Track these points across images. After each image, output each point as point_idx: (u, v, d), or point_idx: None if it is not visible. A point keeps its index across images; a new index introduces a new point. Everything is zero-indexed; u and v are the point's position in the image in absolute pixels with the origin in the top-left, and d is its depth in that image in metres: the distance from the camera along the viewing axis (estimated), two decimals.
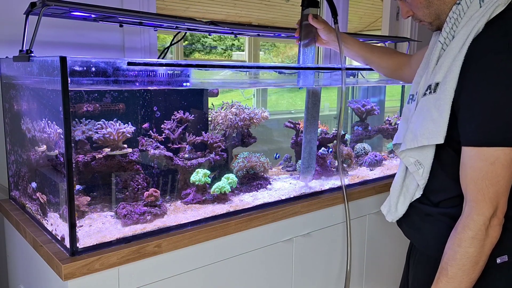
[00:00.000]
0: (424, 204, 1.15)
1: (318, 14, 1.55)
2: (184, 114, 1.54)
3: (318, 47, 1.88)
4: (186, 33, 1.74)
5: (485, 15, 0.99)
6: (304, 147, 1.69)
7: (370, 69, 1.63)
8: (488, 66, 0.94)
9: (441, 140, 1.02)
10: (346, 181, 1.77)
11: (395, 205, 1.20)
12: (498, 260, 1.03)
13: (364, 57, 1.53)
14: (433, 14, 1.10)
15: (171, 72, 1.29)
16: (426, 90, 1.07)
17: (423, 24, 1.16)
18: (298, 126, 1.91)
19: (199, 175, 1.44)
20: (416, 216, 1.18)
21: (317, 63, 2.72)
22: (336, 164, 1.87)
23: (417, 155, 1.10)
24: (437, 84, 1.03)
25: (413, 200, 1.16)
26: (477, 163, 0.96)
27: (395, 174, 1.90)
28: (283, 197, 1.55)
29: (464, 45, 0.99)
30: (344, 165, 1.91)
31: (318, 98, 1.68)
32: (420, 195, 1.14)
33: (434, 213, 1.13)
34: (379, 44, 1.98)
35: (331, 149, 1.87)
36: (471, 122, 0.96)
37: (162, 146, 1.45)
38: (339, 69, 1.57)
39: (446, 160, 1.08)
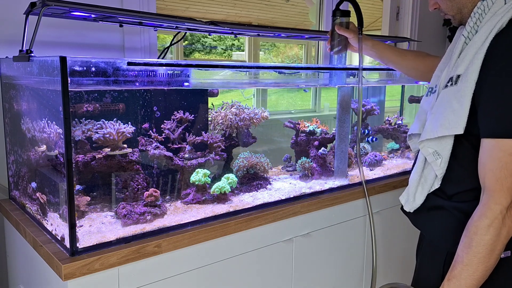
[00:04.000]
0: (438, 197, 1.17)
1: (347, 23, 1.59)
2: (184, 114, 1.54)
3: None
4: (186, 33, 1.74)
5: (509, 11, 1.02)
6: (337, 146, 1.75)
7: (389, 69, 1.66)
8: (510, 61, 0.97)
9: (460, 131, 1.03)
10: (346, 181, 1.77)
11: (413, 195, 1.21)
12: (502, 255, 1.04)
13: (395, 62, 1.55)
14: (455, 7, 1.15)
15: (171, 72, 1.29)
16: (448, 82, 1.10)
17: (448, 17, 1.20)
18: (298, 126, 1.91)
19: (199, 175, 1.44)
20: (428, 207, 1.20)
21: (317, 63, 2.73)
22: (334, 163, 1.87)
23: (436, 146, 1.11)
24: (458, 76, 1.06)
25: (431, 190, 1.17)
26: (496, 154, 0.98)
27: (395, 174, 1.93)
28: (283, 197, 1.55)
29: (486, 39, 1.02)
30: (334, 165, 1.91)
31: (349, 98, 1.75)
32: (438, 185, 1.15)
33: (447, 206, 1.15)
34: None
35: (326, 150, 1.87)
36: (491, 114, 0.99)
37: (162, 146, 1.45)
38: (356, 69, 1.61)
39: (463, 154, 1.09)
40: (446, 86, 1.10)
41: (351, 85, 1.76)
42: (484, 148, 1.01)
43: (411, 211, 1.23)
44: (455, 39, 1.21)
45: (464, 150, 1.09)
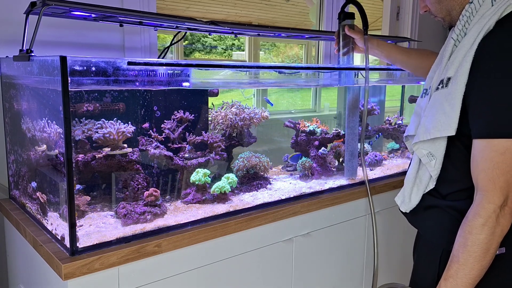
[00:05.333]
0: (433, 196, 1.18)
1: (352, 25, 1.62)
2: (184, 113, 1.54)
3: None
4: (186, 32, 1.74)
5: (496, 14, 1.03)
6: (347, 145, 1.76)
7: (395, 69, 1.67)
8: (497, 62, 0.98)
9: (452, 132, 1.05)
10: (345, 181, 1.77)
11: (409, 196, 1.23)
12: (497, 252, 1.05)
13: (401, 60, 1.57)
14: (444, 10, 1.16)
15: (171, 72, 1.29)
16: (439, 85, 1.12)
17: (438, 19, 1.21)
18: (298, 126, 1.91)
19: (199, 175, 1.44)
20: (424, 207, 1.21)
21: (317, 63, 2.73)
22: (336, 164, 1.87)
23: (430, 147, 1.13)
24: (449, 78, 1.08)
25: (426, 191, 1.19)
26: (488, 154, 0.99)
27: (395, 174, 1.92)
28: (283, 197, 1.55)
29: (475, 42, 1.03)
30: (344, 164, 1.91)
31: (357, 97, 1.77)
32: (433, 186, 1.17)
33: (441, 205, 1.16)
34: None
35: (325, 150, 1.87)
36: (482, 115, 1.00)
37: (162, 146, 1.45)
38: (360, 69, 1.63)
39: (455, 154, 1.11)
40: (437, 88, 1.12)
41: (356, 85, 1.77)
42: (476, 148, 1.03)
43: (407, 211, 1.25)
44: (446, 42, 1.22)
45: (456, 150, 1.11)
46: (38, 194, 1.30)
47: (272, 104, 1.95)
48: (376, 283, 1.68)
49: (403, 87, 2.43)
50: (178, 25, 1.61)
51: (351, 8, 1.64)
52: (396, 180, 1.86)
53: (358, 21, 1.62)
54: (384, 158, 2.11)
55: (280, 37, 2.09)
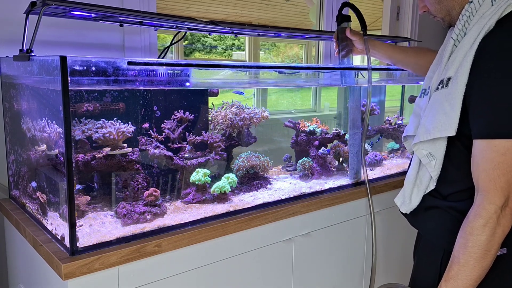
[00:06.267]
0: (433, 197, 1.18)
1: (349, 27, 1.63)
2: (184, 113, 1.54)
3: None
4: (186, 32, 1.74)
5: (496, 13, 1.03)
6: (351, 145, 1.77)
7: (396, 69, 1.67)
8: (497, 62, 0.98)
9: (452, 133, 1.05)
10: (345, 181, 1.77)
11: (409, 197, 1.22)
12: (498, 252, 1.05)
13: (398, 59, 1.57)
14: (444, 10, 1.16)
15: (171, 71, 1.29)
16: (439, 85, 1.11)
17: (437, 19, 1.21)
18: (298, 126, 1.91)
19: (199, 175, 1.44)
20: (425, 208, 1.21)
21: (317, 63, 2.73)
22: (336, 164, 1.87)
23: (430, 148, 1.13)
24: (449, 78, 1.07)
25: (426, 191, 1.19)
26: (489, 154, 0.99)
27: (395, 174, 1.93)
28: (283, 197, 1.55)
29: (475, 42, 1.03)
30: (344, 164, 1.92)
31: (359, 97, 1.79)
32: (434, 187, 1.16)
33: (442, 206, 1.16)
34: None
35: (328, 149, 1.87)
36: (482, 115, 1.00)
37: (162, 146, 1.45)
38: (365, 69, 1.63)
39: (455, 154, 1.11)
40: (437, 88, 1.12)
41: (357, 86, 1.77)
42: (476, 149, 1.02)
43: (408, 212, 1.24)
44: (445, 42, 1.22)
45: (456, 150, 1.10)
46: (38, 194, 1.29)
47: (243, 93, 1.95)
48: (373, 283, 1.68)
49: (403, 87, 2.43)
50: (178, 25, 1.61)
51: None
52: (396, 180, 1.86)
53: (356, 24, 1.62)
54: (384, 158, 2.11)
55: (280, 37, 2.10)
